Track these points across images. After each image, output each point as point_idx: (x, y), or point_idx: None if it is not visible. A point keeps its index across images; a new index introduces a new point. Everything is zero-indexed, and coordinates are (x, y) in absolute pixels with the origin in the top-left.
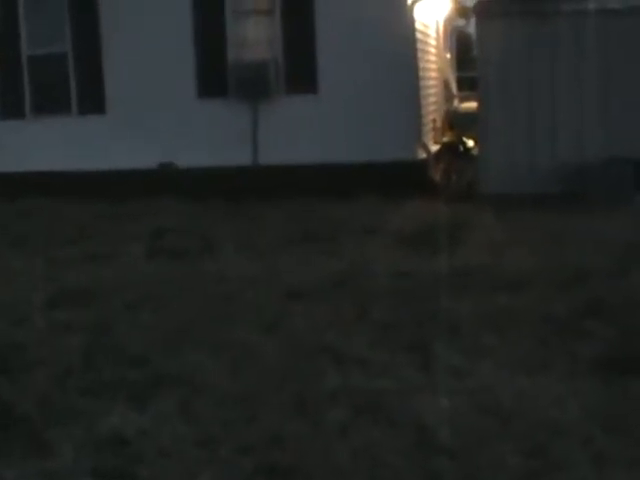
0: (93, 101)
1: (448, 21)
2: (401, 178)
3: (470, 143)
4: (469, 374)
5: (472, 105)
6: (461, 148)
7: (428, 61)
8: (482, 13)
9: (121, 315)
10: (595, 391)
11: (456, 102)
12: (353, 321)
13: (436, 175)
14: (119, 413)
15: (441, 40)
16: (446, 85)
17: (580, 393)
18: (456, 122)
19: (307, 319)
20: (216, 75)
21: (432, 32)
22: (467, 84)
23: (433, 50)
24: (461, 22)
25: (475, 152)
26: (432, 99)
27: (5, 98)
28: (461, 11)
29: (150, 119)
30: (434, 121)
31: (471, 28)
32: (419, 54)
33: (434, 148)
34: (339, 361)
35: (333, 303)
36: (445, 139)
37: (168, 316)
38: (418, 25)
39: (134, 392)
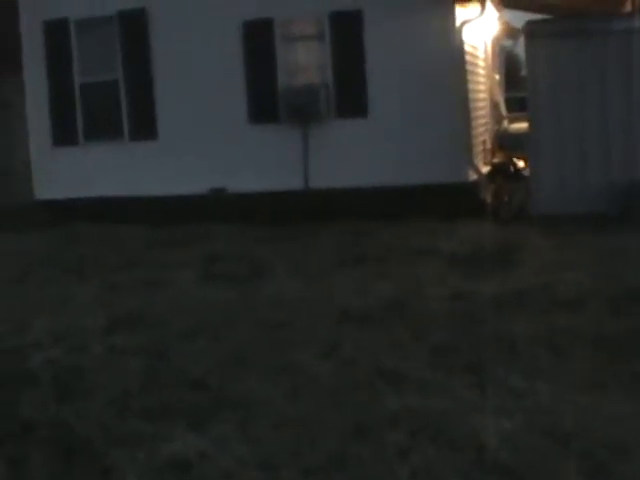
0: (145, 127)
1: (496, 42)
2: (452, 200)
3: (520, 164)
4: (527, 394)
5: (522, 126)
6: (512, 169)
7: (477, 82)
8: (531, 34)
9: (177, 340)
10: None
11: (506, 123)
12: (410, 343)
13: (487, 196)
14: (179, 436)
15: (490, 61)
16: (495, 106)
17: None
18: (506, 143)
19: (363, 341)
20: (267, 101)
21: (481, 53)
22: (516, 105)
23: (482, 71)
24: (509, 42)
25: (526, 173)
26: (482, 120)
27: (58, 125)
28: (509, 32)
29: (201, 145)
30: (484, 142)
31: (519, 48)
32: (468, 76)
33: (485, 169)
34: (397, 383)
35: (389, 325)
36: (495, 160)
37: (224, 340)
38: (467, 47)
39: (193, 415)
